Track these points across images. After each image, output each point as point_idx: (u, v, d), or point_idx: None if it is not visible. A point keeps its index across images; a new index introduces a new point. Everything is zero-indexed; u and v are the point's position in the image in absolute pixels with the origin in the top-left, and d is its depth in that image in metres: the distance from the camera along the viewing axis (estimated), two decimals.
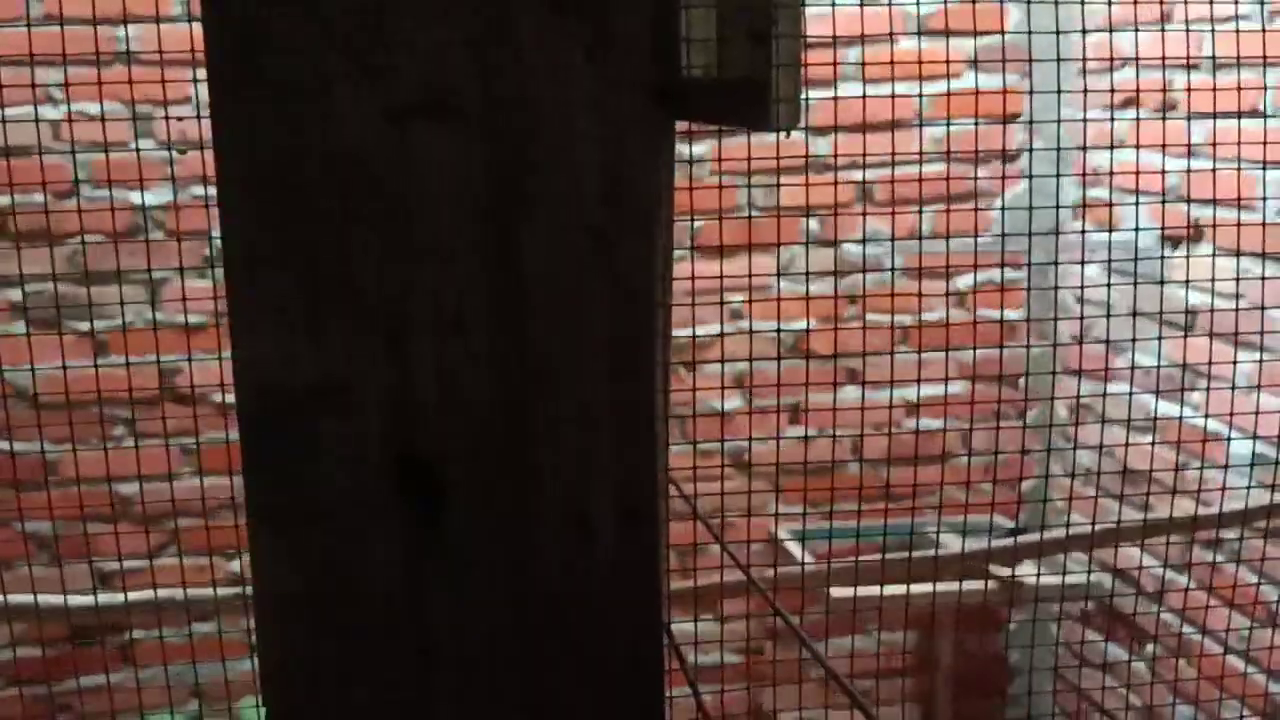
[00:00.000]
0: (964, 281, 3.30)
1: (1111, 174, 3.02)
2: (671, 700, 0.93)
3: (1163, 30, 2.83)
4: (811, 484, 3.33)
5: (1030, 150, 3.26)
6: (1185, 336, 2.91)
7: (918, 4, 3.13)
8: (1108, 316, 2.96)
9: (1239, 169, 2.72)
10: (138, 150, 2.71)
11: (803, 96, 0.85)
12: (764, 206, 3.18)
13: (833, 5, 2.98)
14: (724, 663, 3.40)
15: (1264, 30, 2.82)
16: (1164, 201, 2.89)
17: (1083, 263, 3.21)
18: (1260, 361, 2.79)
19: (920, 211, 3.25)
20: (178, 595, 2.87)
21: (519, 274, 0.72)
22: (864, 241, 3.23)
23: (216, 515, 2.84)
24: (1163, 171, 2.85)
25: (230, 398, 0.87)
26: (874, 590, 2.98)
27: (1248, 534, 2.86)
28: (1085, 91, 3.10)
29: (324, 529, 0.72)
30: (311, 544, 0.73)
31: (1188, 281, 2.89)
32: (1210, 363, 2.77)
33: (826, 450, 3.32)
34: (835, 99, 3.16)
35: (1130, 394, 3.00)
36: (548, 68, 0.70)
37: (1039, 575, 3.03)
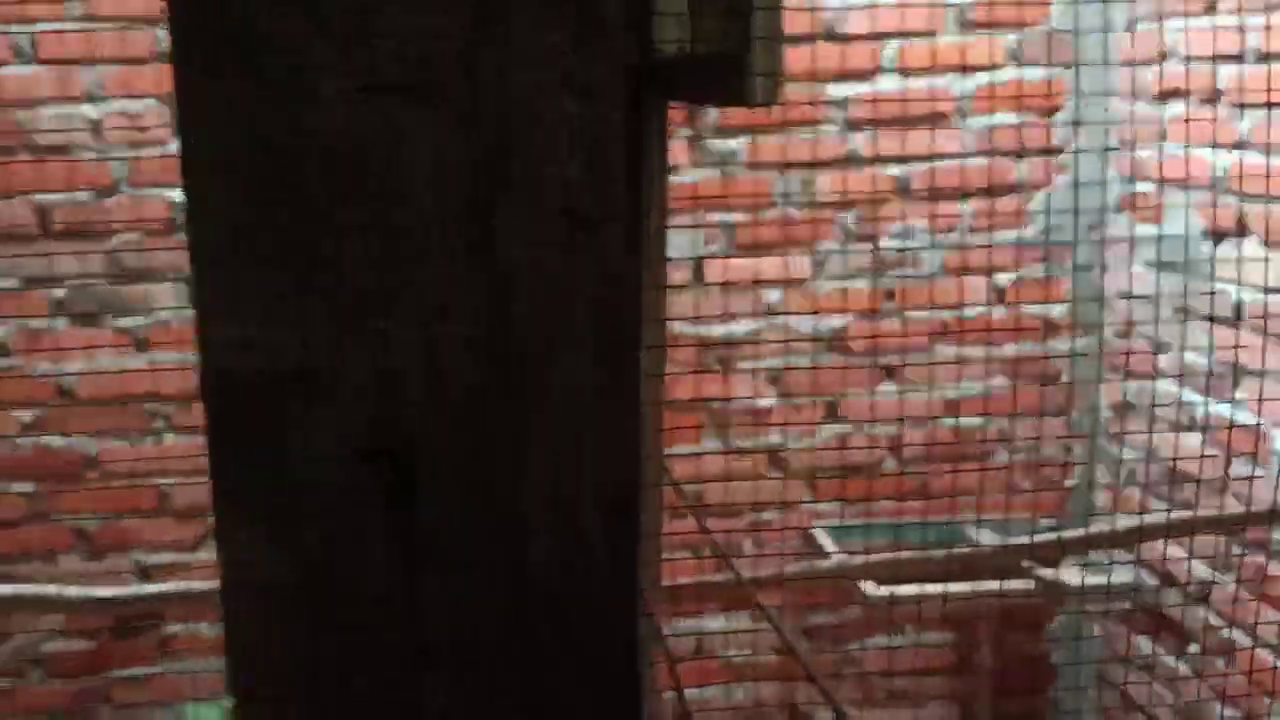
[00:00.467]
0: (1005, 277, 3.25)
1: (1160, 167, 2.96)
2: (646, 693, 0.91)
3: (1213, 23, 2.77)
4: (848, 482, 3.29)
5: (1074, 144, 3.20)
6: (1236, 330, 2.84)
7: None
8: (1156, 313, 2.90)
9: None
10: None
11: (783, 71, 0.82)
12: (800, 201, 3.15)
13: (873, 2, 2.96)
14: (758, 660, 3.37)
15: None
16: (1213, 200, 2.83)
17: (1129, 258, 3.15)
18: None
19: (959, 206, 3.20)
20: (216, 588, 2.89)
21: (501, 259, 0.70)
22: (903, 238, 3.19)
23: None
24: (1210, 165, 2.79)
25: None
26: (912, 589, 2.94)
27: None
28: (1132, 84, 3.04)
29: (297, 519, 0.71)
30: (284, 534, 0.72)
31: (1239, 279, 2.82)
32: (1265, 365, 2.70)
33: (863, 446, 3.28)
34: (874, 95, 3.12)
35: (1180, 392, 2.94)
36: (532, 51, 0.68)
37: (1083, 576, 2.98)
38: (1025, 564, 2.86)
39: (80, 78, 2.96)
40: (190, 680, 3.23)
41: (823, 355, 3.23)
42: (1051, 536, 2.71)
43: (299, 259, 0.69)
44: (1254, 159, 2.68)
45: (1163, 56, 2.94)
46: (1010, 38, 3.13)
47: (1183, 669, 3.01)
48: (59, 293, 3.06)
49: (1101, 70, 3.15)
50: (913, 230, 3.20)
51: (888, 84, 3.12)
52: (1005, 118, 3.17)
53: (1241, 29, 2.70)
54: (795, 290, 3.19)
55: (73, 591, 2.69)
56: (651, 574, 0.78)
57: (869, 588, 2.84)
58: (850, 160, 3.14)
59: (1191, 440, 2.86)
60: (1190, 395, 2.93)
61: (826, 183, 3.15)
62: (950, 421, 3.30)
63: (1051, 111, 3.19)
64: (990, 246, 3.20)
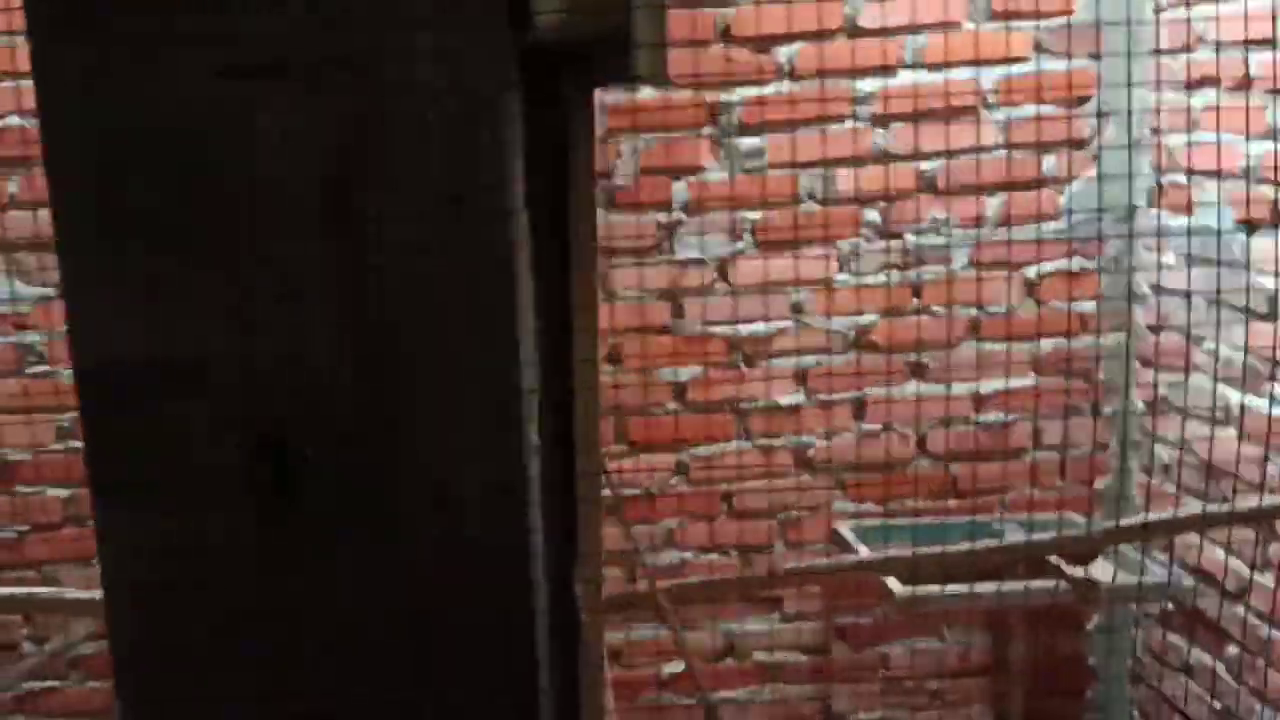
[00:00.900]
0: (1034, 272, 3.20)
1: (1189, 157, 2.90)
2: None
3: (1244, 8, 2.71)
4: (875, 480, 3.26)
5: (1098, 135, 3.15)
6: (1272, 323, 2.77)
7: None
8: (1188, 306, 2.84)
9: None
10: None
11: (667, 45, 0.79)
12: (822, 197, 3.12)
13: None
14: (787, 662, 3.35)
15: None
16: (1246, 190, 2.77)
17: (1158, 250, 3.09)
18: None
19: (979, 199, 3.16)
20: None
21: (366, 241, 0.68)
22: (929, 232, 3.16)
23: None
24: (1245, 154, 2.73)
25: None
26: (940, 589, 2.90)
27: None
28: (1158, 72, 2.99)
29: (174, 509, 0.70)
30: (162, 525, 0.71)
31: (1278, 270, 2.75)
32: None
33: (890, 445, 3.25)
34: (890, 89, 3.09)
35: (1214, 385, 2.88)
36: (395, 25, 0.66)
37: (1114, 573, 2.93)
38: (1054, 561, 2.81)
39: None
40: None
41: (850, 353, 3.20)
42: (1078, 530, 2.66)
43: (161, 243, 0.68)
44: None
45: (1192, 44, 2.89)
46: (1035, 28, 3.08)
47: (1221, 669, 2.94)
48: None
49: (1129, 59, 3.09)
50: (939, 225, 3.16)
51: (911, 78, 3.08)
52: (1031, 110, 3.12)
53: (1275, 14, 2.65)
54: (820, 288, 3.17)
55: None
56: (593, 562, 0.76)
57: (895, 586, 2.80)
58: (874, 156, 3.12)
59: (1227, 435, 2.80)
60: (1225, 390, 2.87)
61: (850, 179, 3.12)
62: (979, 419, 3.26)
63: (1078, 102, 3.14)
64: (1018, 241, 3.15)
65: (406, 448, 0.70)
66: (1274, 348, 2.65)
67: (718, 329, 3.16)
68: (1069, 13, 3.08)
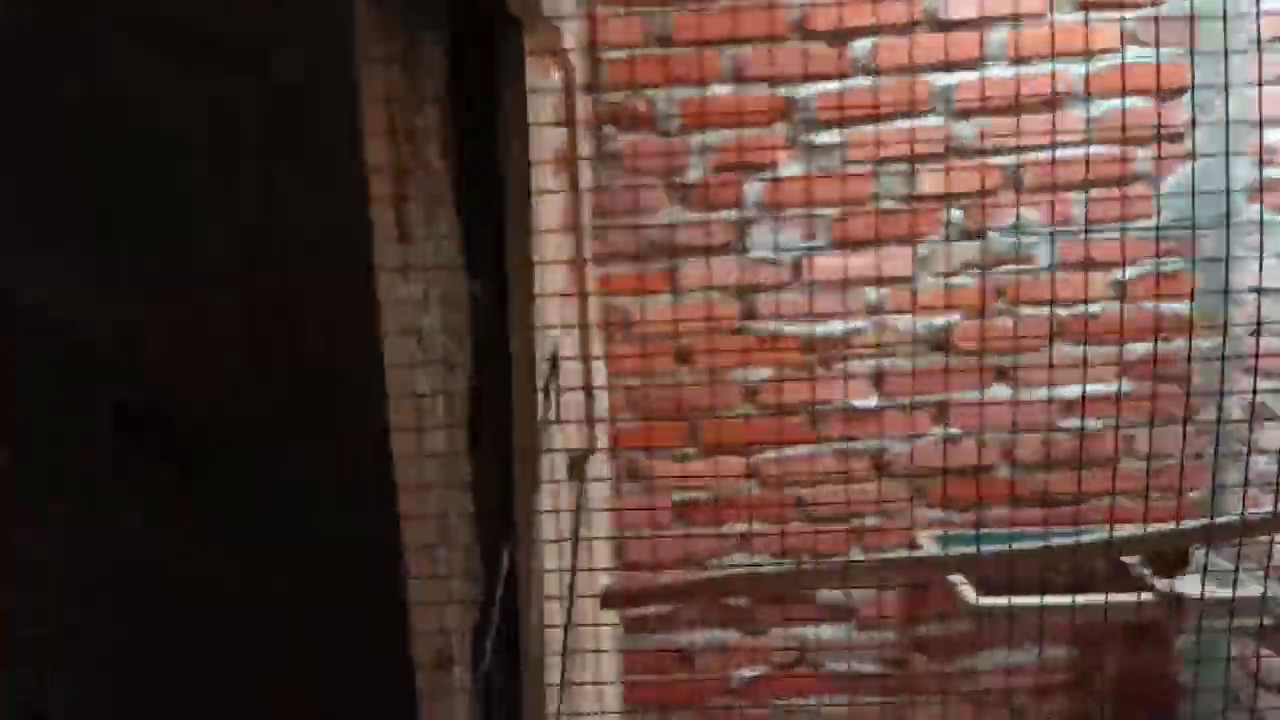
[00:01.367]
0: (1126, 272, 3.07)
1: None
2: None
3: None
4: (956, 488, 3.16)
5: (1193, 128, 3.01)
6: None
7: None
8: None
9: None
10: None
11: None
12: (901, 195, 3.04)
13: None
14: (862, 672, 3.26)
15: None
16: None
17: (1260, 250, 2.94)
18: None
19: (1078, 196, 3.04)
20: None
21: (248, 206, 0.64)
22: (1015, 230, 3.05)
23: None
24: None
25: None
26: (1025, 600, 2.80)
27: None
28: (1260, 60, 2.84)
29: (54, 488, 0.67)
30: (41, 505, 0.68)
31: None
32: None
33: (973, 453, 3.15)
34: (981, 80, 3.00)
35: None
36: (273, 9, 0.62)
37: (1202, 585, 2.78)
38: (1138, 573, 2.69)
39: None
40: None
41: (929, 356, 3.11)
42: (1163, 529, 2.54)
43: (57, 209, 0.65)
44: None
45: None
46: (1126, 18, 2.96)
47: None
48: None
49: (1225, 50, 2.95)
50: (1024, 223, 3.05)
51: (996, 72, 2.98)
52: (1120, 104, 3.00)
53: None
54: (898, 288, 3.08)
55: None
56: (528, 537, 0.71)
57: (969, 596, 2.71)
58: (955, 152, 3.02)
59: None
60: None
61: (930, 176, 3.03)
62: (1067, 426, 3.14)
63: (1171, 95, 3.00)
64: (1106, 239, 3.03)
65: (294, 428, 0.66)
66: None
67: (791, 329, 3.10)
68: (1159, 1, 2.95)
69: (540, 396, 0.79)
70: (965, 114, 3.01)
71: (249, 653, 0.66)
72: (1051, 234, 3.04)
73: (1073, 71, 2.98)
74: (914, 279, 3.08)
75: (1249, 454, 2.99)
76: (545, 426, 0.73)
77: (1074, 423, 3.13)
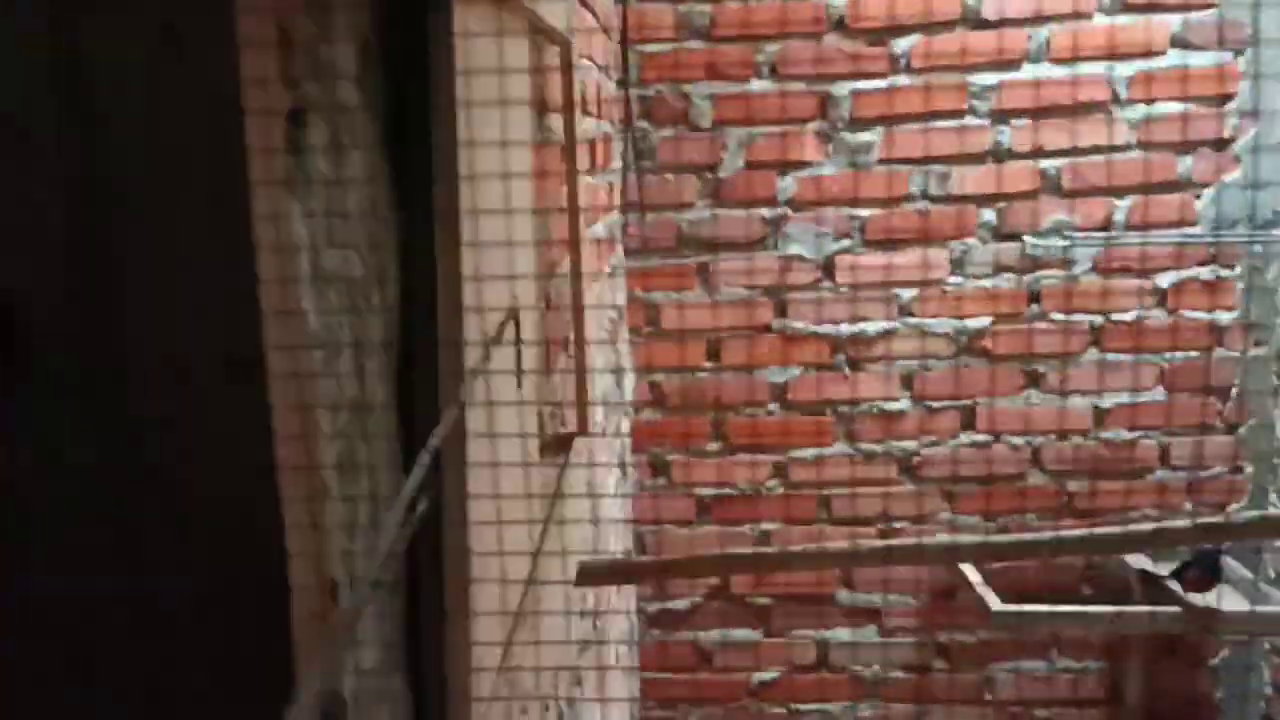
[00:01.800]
0: (1165, 279, 3.00)
1: None
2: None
3: None
4: (984, 493, 3.11)
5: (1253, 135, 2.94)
6: None
7: None
8: None
9: None
10: None
11: None
12: (936, 195, 3.00)
13: None
14: (888, 678, 3.22)
15: None
16: None
17: None
18: None
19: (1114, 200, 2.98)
20: None
21: (85, 77, 0.62)
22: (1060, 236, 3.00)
23: None
24: None
25: None
26: (1047, 608, 2.75)
27: None
28: None
29: None
30: None
31: None
32: None
33: (1003, 458, 3.10)
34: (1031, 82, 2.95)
35: None
36: None
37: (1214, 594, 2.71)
38: (1169, 582, 2.63)
39: None
40: None
41: (961, 359, 3.06)
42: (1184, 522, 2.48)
43: None
44: None
45: None
46: (1174, 20, 2.90)
47: None
48: None
49: (1278, 53, 2.88)
50: (1061, 228, 3.00)
51: (1034, 72, 2.94)
52: (1168, 108, 2.94)
53: None
54: (931, 290, 3.04)
55: None
56: (456, 483, 0.69)
57: (993, 603, 2.66)
58: (992, 153, 2.98)
59: None
60: None
61: (966, 177, 2.99)
62: (1101, 435, 3.08)
63: (1221, 100, 2.94)
64: (1149, 245, 2.97)
65: (134, 314, 0.64)
66: None
67: (822, 329, 3.07)
68: (1211, 5, 2.89)
69: (486, 350, 0.78)
70: (1004, 115, 2.97)
71: (94, 573, 0.65)
72: (1096, 240, 2.98)
73: (1118, 73, 2.92)
74: (947, 281, 3.03)
75: None
76: (479, 377, 0.71)
77: (1110, 432, 3.07)
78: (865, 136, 2.98)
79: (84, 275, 0.63)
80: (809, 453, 3.12)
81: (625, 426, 2.87)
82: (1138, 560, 2.96)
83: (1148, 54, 2.92)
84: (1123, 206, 2.99)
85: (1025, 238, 3.00)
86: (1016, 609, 2.66)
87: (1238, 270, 3.00)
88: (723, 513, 3.15)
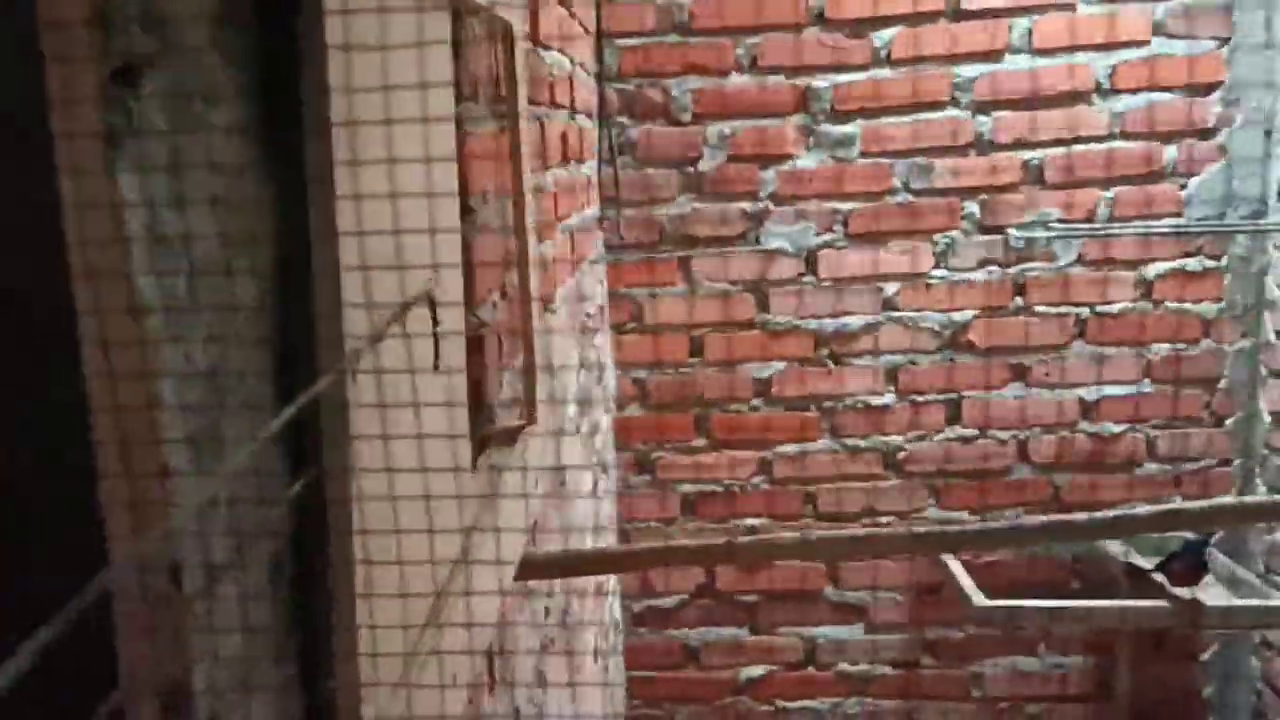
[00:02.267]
0: (1151, 270, 2.98)
1: None
2: None
3: None
4: (970, 488, 3.09)
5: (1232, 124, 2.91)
6: None
7: None
8: None
9: None
10: None
11: None
12: (918, 188, 2.98)
13: None
14: (875, 674, 3.20)
15: None
16: None
17: None
18: None
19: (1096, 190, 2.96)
20: None
21: None
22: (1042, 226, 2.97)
23: None
24: None
25: None
26: (1030, 603, 2.72)
27: None
28: None
29: None
30: None
31: None
32: None
33: (990, 452, 3.08)
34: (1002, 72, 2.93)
35: None
36: None
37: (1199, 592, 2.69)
38: (1155, 575, 2.60)
39: None
40: None
41: (945, 353, 3.04)
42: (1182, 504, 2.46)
43: None
44: None
45: None
46: (1157, 8, 2.88)
47: None
48: None
49: (1263, 42, 2.86)
50: (1045, 220, 2.98)
51: (1016, 63, 2.91)
52: (1150, 97, 2.92)
53: None
54: (915, 283, 3.02)
55: None
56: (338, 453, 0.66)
57: (975, 597, 2.64)
58: (975, 145, 2.96)
59: None
60: None
61: (949, 169, 2.97)
62: (1086, 428, 3.05)
63: (1204, 90, 2.91)
64: (1133, 237, 2.95)
65: None
66: None
67: (804, 323, 3.05)
68: None
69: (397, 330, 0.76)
70: (986, 106, 2.94)
71: None
72: (1079, 230, 2.96)
73: (1100, 63, 2.90)
74: (931, 274, 3.01)
75: None
76: (373, 348, 0.69)
77: (1095, 425, 3.05)
78: (847, 129, 2.96)
79: None
80: (793, 448, 3.10)
81: (605, 424, 2.85)
82: (1125, 554, 2.94)
83: (1130, 43, 2.90)
84: (1107, 197, 2.97)
85: (1009, 230, 2.98)
86: (998, 604, 2.64)
87: (1224, 261, 2.98)
88: (707, 510, 3.13)
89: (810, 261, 3.03)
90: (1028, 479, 3.08)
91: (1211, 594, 2.73)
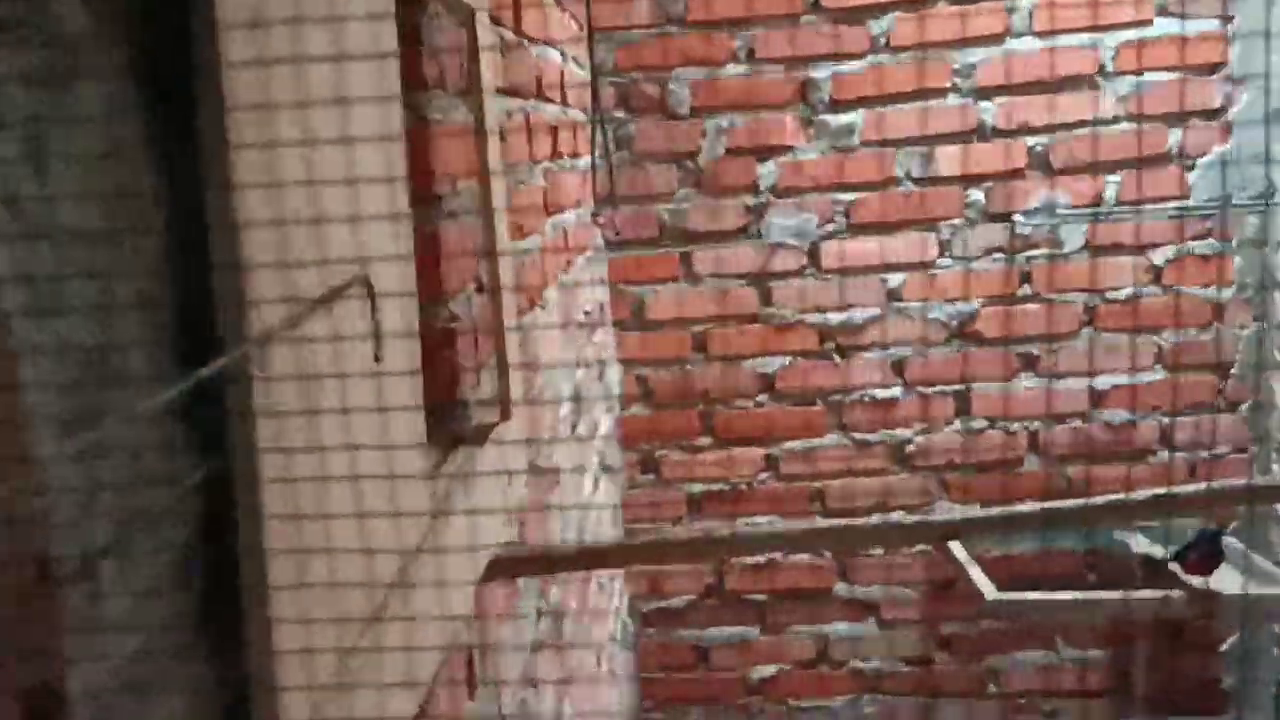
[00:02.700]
0: (1159, 255, 2.92)
1: None
2: None
3: None
4: (982, 480, 3.04)
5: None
6: None
7: None
8: None
9: None
10: None
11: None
12: (921, 177, 2.93)
13: None
14: (889, 671, 3.16)
15: None
16: None
17: None
18: None
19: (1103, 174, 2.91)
20: None
21: None
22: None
23: None
24: None
25: None
26: (1043, 595, 2.68)
27: None
28: None
29: None
30: None
31: None
32: None
33: (1000, 443, 3.03)
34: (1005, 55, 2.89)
35: None
36: None
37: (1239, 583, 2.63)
38: (1170, 565, 2.55)
39: None
40: None
41: (952, 344, 3.00)
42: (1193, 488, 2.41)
43: None
44: None
45: None
46: None
47: None
48: None
49: (1270, 18, 2.80)
50: (1053, 205, 2.93)
51: (1018, 46, 2.87)
52: (1154, 78, 2.87)
53: None
54: (920, 273, 2.98)
55: None
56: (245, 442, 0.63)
57: (987, 590, 2.59)
58: (978, 132, 2.91)
59: None
60: None
61: (952, 157, 2.92)
62: (1100, 416, 3.00)
63: (1209, 70, 2.86)
64: (1140, 221, 2.90)
65: None
66: None
67: (809, 317, 3.01)
68: None
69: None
70: (988, 92, 2.90)
71: None
72: (1086, 215, 2.91)
73: (1103, 44, 2.85)
74: (936, 264, 2.97)
75: None
76: (290, 336, 0.67)
77: (1107, 413, 2.99)
78: (847, 119, 2.93)
79: None
80: (800, 444, 3.06)
81: (606, 426, 2.82)
82: (1139, 545, 2.89)
83: (1133, 23, 2.85)
84: (1113, 182, 2.92)
85: (1015, 217, 2.94)
86: (1010, 597, 2.59)
87: (1235, 244, 2.92)
88: (714, 508, 3.09)
89: (813, 253, 2.99)
90: (1039, 470, 3.03)
91: (1228, 583, 2.67)
